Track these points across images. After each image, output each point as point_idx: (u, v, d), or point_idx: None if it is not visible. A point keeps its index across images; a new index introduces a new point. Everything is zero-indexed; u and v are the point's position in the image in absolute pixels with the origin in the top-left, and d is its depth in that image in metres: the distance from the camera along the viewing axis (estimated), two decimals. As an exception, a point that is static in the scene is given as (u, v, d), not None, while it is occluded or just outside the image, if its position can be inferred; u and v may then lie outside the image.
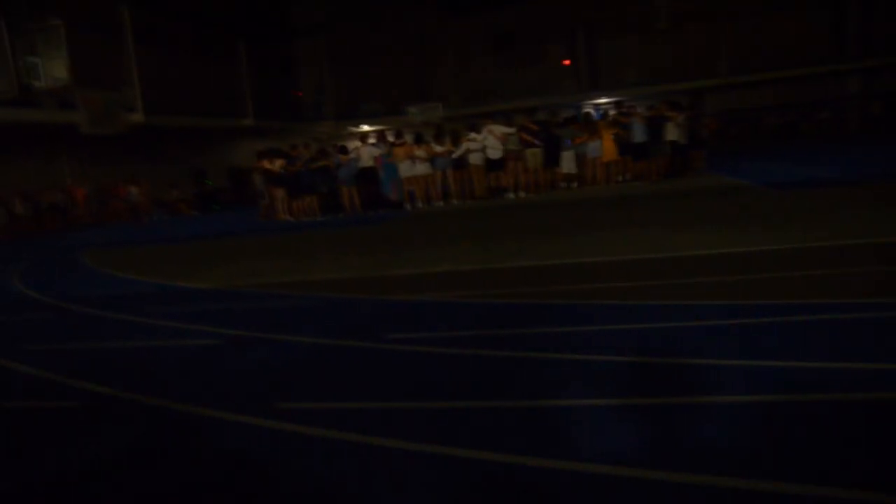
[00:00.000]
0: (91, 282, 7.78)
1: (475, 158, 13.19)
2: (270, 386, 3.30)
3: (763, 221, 6.77)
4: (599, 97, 30.44)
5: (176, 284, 6.73)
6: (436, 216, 11.61)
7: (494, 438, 2.43)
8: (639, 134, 13.12)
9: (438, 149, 13.39)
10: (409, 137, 14.40)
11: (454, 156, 13.32)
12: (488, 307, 4.47)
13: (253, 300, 5.61)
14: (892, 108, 27.78)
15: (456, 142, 13.47)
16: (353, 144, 14.71)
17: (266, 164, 14.33)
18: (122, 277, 7.80)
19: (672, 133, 13.28)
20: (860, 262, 4.62)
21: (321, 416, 2.82)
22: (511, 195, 13.28)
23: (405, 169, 13.44)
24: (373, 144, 14.46)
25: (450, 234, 9.06)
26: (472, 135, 13.24)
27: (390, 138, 14.52)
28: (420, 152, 13.34)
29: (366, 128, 32.03)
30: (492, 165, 13.28)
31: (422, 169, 13.42)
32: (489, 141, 13.02)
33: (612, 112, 16.04)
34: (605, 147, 13.31)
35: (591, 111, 18.60)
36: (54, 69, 18.51)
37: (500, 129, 13.10)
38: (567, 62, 32.22)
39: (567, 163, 13.32)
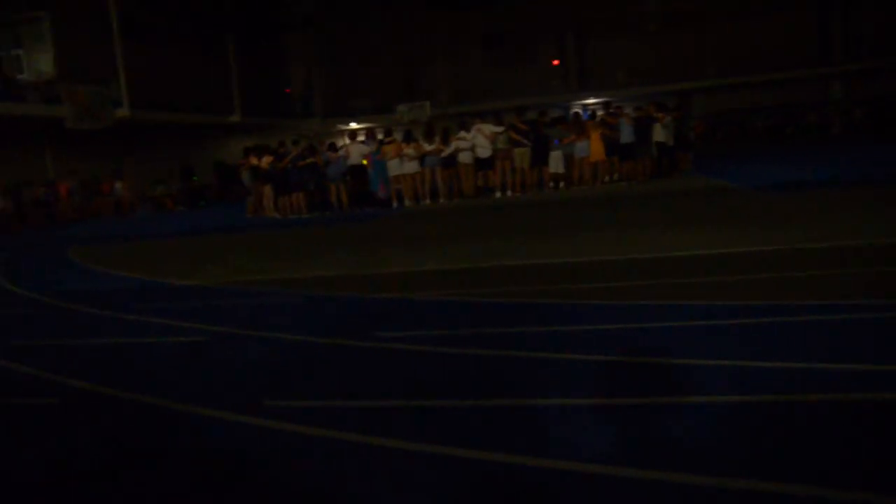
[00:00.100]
0: (76, 277, 7.71)
1: (464, 157, 13.21)
2: (258, 384, 3.29)
3: (748, 223, 6.85)
4: (588, 97, 30.58)
5: (162, 281, 6.69)
6: (424, 214, 11.62)
7: (483, 437, 2.45)
8: (626, 135, 13.20)
9: (428, 147, 13.39)
10: (398, 135, 14.38)
11: (444, 154, 13.33)
12: (475, 306, 4.49)
13: (240, 297, 5.59)
14: (873, 112, 28.16)
15: (446, 140, 13.48)
16: (343, 142, 14.68)
17: (254, 161, 14.26)
18: (108, 273, 7.74)
19: (659, 134, 13.38)
20: (842, 265, 4.69)
21: (309, 414, 2.82)
22: (499, 194, 13.32)
23: (394, 167, 13.44)
24: (362, 142, 14.44)
25: (437, 232, 9.07)
26: (462, 133, 13.27)
27: (380, 136, 14.51)
28: (410, 150, 13.34)
29: (354, 125, 31.95)
30: (481, 164, 13.31)
31: (411, 167, 13.42)
32: (478, 140, 13.05)
33: (600, 112, 16.11)
34: (592, 147, 13.38)
35: (580, 111, 18.68)
36: (39, 62, 18.29)
37: (490, 128, 13.13)
38: (556, 62, 32.34)
39: (555, 163, 13.38)
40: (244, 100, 28.50)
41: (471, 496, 2.05)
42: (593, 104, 29.44)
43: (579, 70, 31.79)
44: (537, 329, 3.78)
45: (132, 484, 2.34)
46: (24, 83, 17.98)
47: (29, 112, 18.09)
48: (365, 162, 13.82)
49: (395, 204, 13.56)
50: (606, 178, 13.73)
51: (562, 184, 13.68)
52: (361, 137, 15.26)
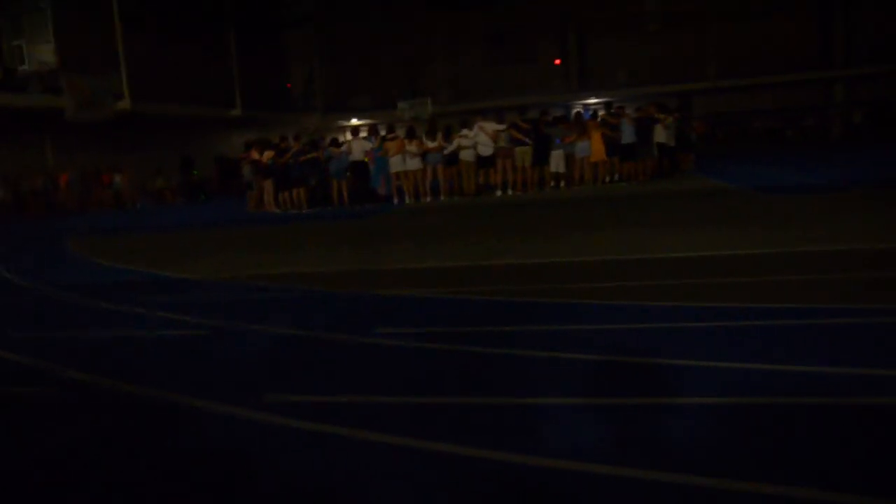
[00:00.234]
0: (75, 269, 7.71)
1: (466, 155, 13.21)
2: (257, 378, 3.30)
3: (748, 225, 6.86)
4: (589, 97, 30.57)
5: (162, 274, 6.69)
6: (424, 212, 11.62)
7: (480, 435, 2.45)
8: (627, 135, 13.21)
9: (430, 144, 13.39)
10: (401, 132, 14.38)
11: (446, 152, 13.33)
12: (474, 304, 4.50)
13: (240, 291, 5.59)
14: (873, 115, 28.19)
15: (448, 138, 13.48)
16: (345, 138, 14.66)
17: (255, 155, 14.24)
18: (107, 265, 7.73)
19: (660, 135, 13.39)
20: (841, 268, 4.70)
21: (308, 408, 2.83)
22: (499, 193, 13.32)
23: (396, 164, 13.42)
24: (364, 138, 14.43)
25: (438, 230, 9.08)
26: (465, 131, 13.27)
27: (382, 132, 14.49)
28: (412, 147, 13.33)
29: (354, 121, 31.91)
30: (482, 162, 13.31)
31: (413, 164, 13.41)
32: (480, 138, 13.05)
33: (601, 112, 16.12)
34: (593, 147, 13.38)
35: (581, 111, 18.68)
36: (40, 53, 18.25)
37: (492, 126, 13.13)
38: (558, 62, 32.31)
39: (556, 162, 13.38)
40: (245, 94, 28.46)
41: (468, 493, 2.06)
42: (595, 104, 29.43)
43: (580, 70, 31.78)
44: (537, 328, 3.79)
45: (130, 477, 2.35)
46: (26, 74, 17.94)
47: (29, 103, 18.05)
48: (367, 159, 13.81)
49: (395, 201, 13.56)
50: (607, 179, 13.74)
51: (562, 183, 13.68)
52: (363, 133, 15.23)
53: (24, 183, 19.62)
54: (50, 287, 6.37)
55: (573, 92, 31.14)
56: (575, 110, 21.00)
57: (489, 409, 2.71)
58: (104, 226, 14.35)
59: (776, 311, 3.69)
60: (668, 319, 3.73)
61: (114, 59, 21.11)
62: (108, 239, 11.39)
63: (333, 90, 33.92)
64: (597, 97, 30.29)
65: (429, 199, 13.48)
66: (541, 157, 13.38)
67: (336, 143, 14.26)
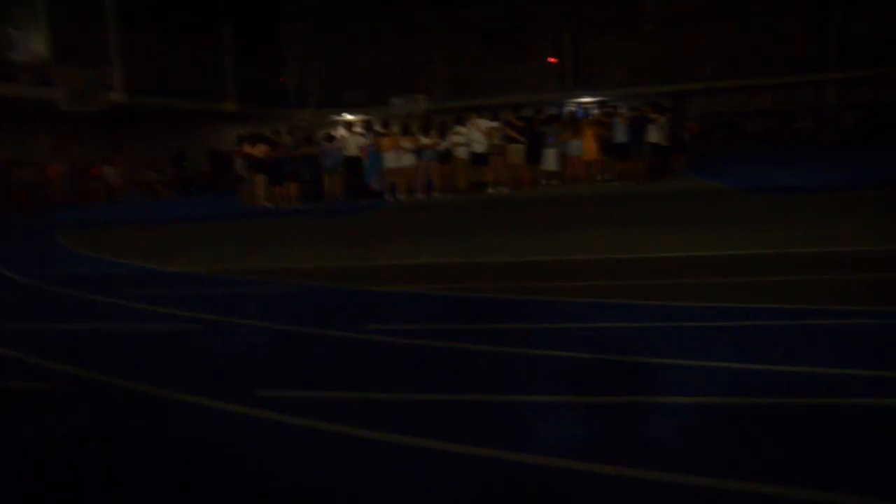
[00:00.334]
0: (65, 262, 7.66)
1: (460, 152, 13.21)
2: (248, 373, 3.29)
3: (740, 226, 6.89)
4: (584, 96, 30.58)
5: (154, 267, 6.65)
6: (417, 208, 11.61)
7: (472, 432, 2.46)
8: (621, 134, 13.23)
9: (425, 140, 13.37)
10: (396, 128, 14.34)
11: (440, 148, 13.32)
12: (467, 301, 4.50)
13: (231, 286, 5.57)
14: (867, 118, 28.36)
15: (443, 134, 13.47)
16: (340, 133, 14.61)
17: (248, 149, 14.17)
18: (98, 258, 7.69)
19: (653, 135, 13.41)
20: (833, 269, 4.73)
21: (299, 404, 2.82)
22: (492, 190, 13.32)
23: (390, 159, 13.40)
24: (359, 134, 14.38)
25: (430, 226, 9.07)
26: (458, 128, 13.26)
27: (377, 128, 14.46)
28: (407, 143, 13.31)
29: (349, 117, 31.81)
30: (476, 159, 13.31)
31: (407, 160, 13.39)
32: (474, 135, 13.04)
33: (595, 111, 16.14)
34: (586, 146, 13.41)
35: (574, 109, 18.71)
36: (33, 43, 18.08)
37: (485, 124, 13.13)
38: (553, 60, 32.30)
39: (549, 160, 13.39)
40: (239, 88, 28.34)
41: (458, 490, 2.06)
42: (589, 103, 29.46)
43: (576, 68, 31.79)
44: (529, 325, 3.80)
45: (121, 471, 2.34)
46: (18, 64, 17.76)
47: (22, 93, 17.87)
48: (361, 154, 13.78)
49: (388, 197, 13.54)
50: (600, 178, 13.76)
51: (555, 181, 13.70)
52: (358, 128, 15.18)
53: (13, 174, 19.44)
54: (39, 279, 6.33)
55: (569, 90, 31.15)
56: (567, 108, 21.03)
57: (481, 405, 2.71)
58: (94, 219, 14.25)
59: (769, 312, 3.71)
60: (660, 318, 3.75)
61: (107, 51, 20.94)
62: (99, 232, 11.32)
63: (328, 85, 33.78)
64: (593, 96, 30.30)
65: (422, 195, 13.47)
66: (534, 155, 13.39)
67: (330, 138, 14.22)
